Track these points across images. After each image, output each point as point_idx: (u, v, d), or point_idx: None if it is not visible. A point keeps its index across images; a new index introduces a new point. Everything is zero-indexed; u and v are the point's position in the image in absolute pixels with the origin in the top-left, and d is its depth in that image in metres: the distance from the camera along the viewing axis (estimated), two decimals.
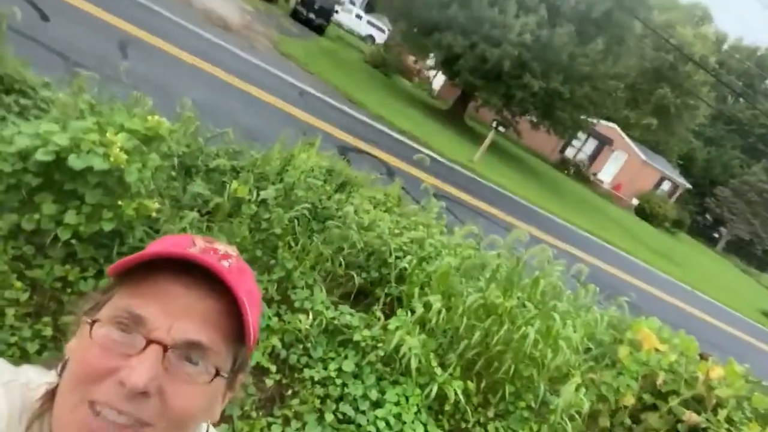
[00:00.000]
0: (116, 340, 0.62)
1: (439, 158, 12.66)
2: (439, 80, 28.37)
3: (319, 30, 25.19)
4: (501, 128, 15.88)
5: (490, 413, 3.50)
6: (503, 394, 3.48)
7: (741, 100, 47.28)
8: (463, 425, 3.42)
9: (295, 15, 25.21)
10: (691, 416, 4.33)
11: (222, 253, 0.68)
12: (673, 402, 4.38)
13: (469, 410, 3.36)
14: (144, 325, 0.62)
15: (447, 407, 3.29)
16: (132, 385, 0.58)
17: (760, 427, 4.43)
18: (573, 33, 18.88)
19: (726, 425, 4.28)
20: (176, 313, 0.63)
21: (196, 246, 0.67)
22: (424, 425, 3.11)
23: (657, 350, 4.75)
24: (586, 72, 18.98)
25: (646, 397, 4.46)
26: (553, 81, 18.69)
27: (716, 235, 42.35)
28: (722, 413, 4.38)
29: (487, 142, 15.21)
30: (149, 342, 0.61)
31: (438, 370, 3.27)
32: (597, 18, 19.38)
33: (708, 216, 42.69)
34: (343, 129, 9.91)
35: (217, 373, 0.65)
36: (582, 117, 21.74)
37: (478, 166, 14.13)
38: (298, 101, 10.42)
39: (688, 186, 35.42)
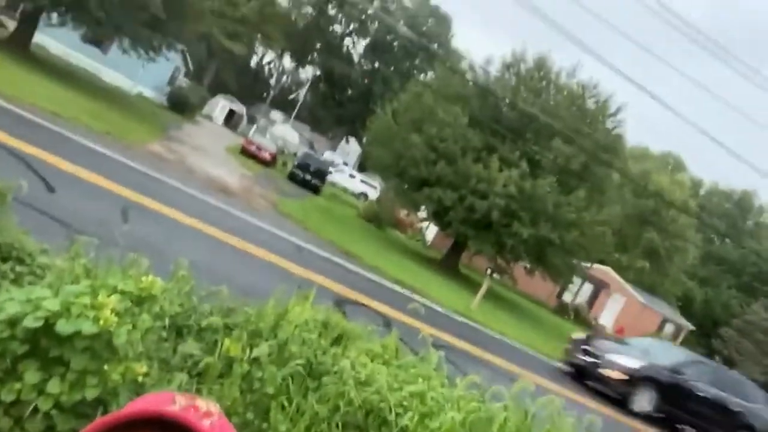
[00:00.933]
0: None
1: (436, 307, 12.56)
2: (431, 231, 29.23)
3: (316, 190, 26.52)
4: (496, 275, 16.05)
5: None
6: None
7: (727, 240, 48.53)
8: None
9: (292, 177, 26.73)
10: None
11: (203, 411, 0.66)
12: None
13: None
14: None
15: None
16: None
17: None
18: (555, 183, 19.93)
19: None
20: None
21: (176, 403, 0.65)
22: None
23: None
24: (573, 219, 19.68)
25: None
26: (542, 228, 19.29)
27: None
28: None
29: (483, 289, 15.23)
30: None
31: None
32: (576, 170, 20.60)
33: (717, 357, 41.43)
34: (339, 281, 9.95)
35: None
36: (574, 261, 22.08)
37: (476, 314, 13.98)
38: (295, 257, 10.60)
39: (692, 327, 34.86)
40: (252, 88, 57.84)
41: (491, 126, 21.09)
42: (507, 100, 22.24)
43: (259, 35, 49.54)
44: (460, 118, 20.59)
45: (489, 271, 16.37)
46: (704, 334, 39.53)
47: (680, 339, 33.45)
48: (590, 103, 22.51)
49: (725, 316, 41.83)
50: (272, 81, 64.40)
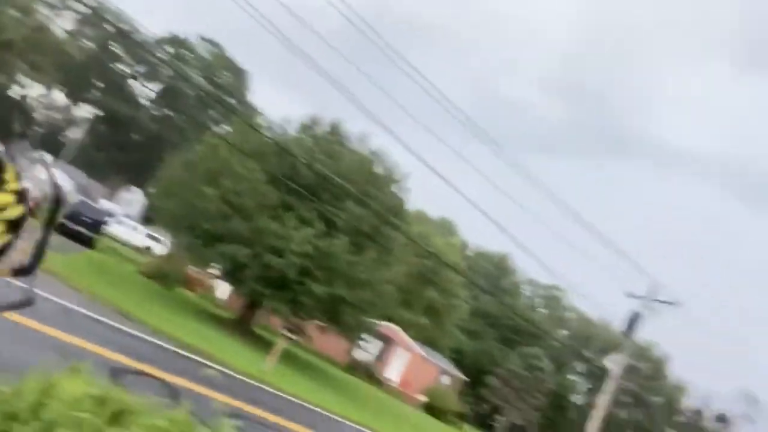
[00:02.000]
0: None
1: (230, 372, 11.74)
2: (224, 289, 27.81)
3: (89, 243, 23.50)
4: (291, 335, 15.78)
5: None
6: None
7: (490, 297, 55.30)
8: None
9: (61, 228, 23.31)
10: None
11: None
12: None
13: None
14: None
15: None
16: None
17: None
18: (347, 243, 20.69)
19: None
20: None
21: None
22: None
23: None
24: (365, 278, 20.49)
25: None
26: (337, 286, 19.67)
27: (495, 424, 45.34)
28: None
29: (277, 350, 14.78)
30: None
31: None
32: (366, 231, 21.69)
33: (485, 405, 46.00)
34: (117, 349, 8.71)
35: None
36: (365, 319, 22.85)
37: (271, 377, 13.43)
38: (63, 322, 9.03)
39: (465, 378, 38.31)
40: (9, 123, 50.03)
41: (288, 184, 21.25)
42: (303, 160, 22.76)
43: (25, 65, 43.62)
44: (256, 173, 20.36)
45: (285, 331, 16.01)
46: (474, 384, 43.71)
47: (455, 389, 36.43)
48: (379, 169, 24.17)
49: (491, 366, 46.99)
50: (37, 116, 56.65)
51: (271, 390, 12.47)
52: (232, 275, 20.65)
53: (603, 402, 25.65)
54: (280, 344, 15.21)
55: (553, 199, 20.33)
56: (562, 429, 48.60)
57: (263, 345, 19.28)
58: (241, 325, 21.54)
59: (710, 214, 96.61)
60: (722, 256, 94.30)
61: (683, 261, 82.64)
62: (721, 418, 59.85)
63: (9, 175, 0.84)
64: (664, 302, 26.59)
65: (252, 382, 12.26)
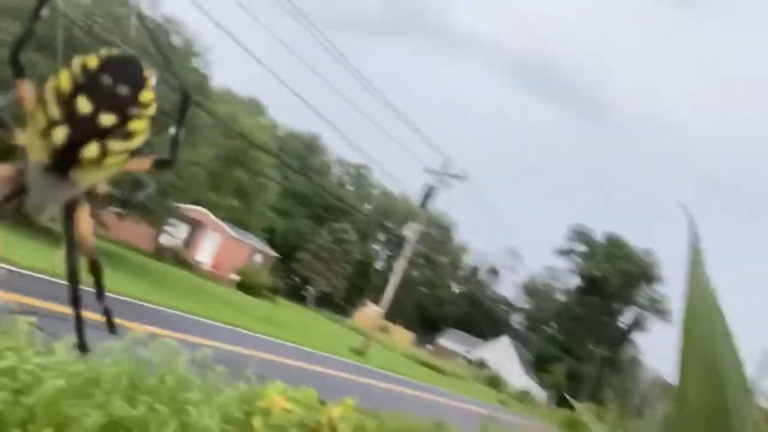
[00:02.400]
0: None
1: (15, 269, 10.63)
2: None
3: None
4: None
5: None
6: None
7: (300, 177, 56.34)
8: None
9: None
10: None
11: None
12: None
13: None
14: None
15: None
16: None
17: None
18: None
19: None
20: None
21: None
22: None
23: (286, 410, 5.10)
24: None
25: None
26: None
27: (306, 294, 48.43)
28: None
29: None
30: None
31: None
32: (167, 110, 20.12)
33: (296, 278, 48.59)
34: None
35: None
36: (169, 203, 21.91)
37: (63, 270, 12.48)
38: None
39: (277, 255, 39.63)
40: None
41: (65, 51, 18.37)
42: (81, 23, 19.65)
43: None
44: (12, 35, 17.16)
45: None
46: (287, 260, 45.53)
47: (268, 265, 37.67)
48: (177, 40, 22.02)
49: (301, 242, 49.12)
50: None
51: (65, 283, 11.67)
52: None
53: (400, 265, 28.90)
54: None
55: (362, 80, 20.79)
56: (366, 292, 53.86)
57: (51, 237, 17.55)
58: (20, 215, 19.17)
59: (501, 99, 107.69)
60: (509, 137, 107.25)
61: (474, 140, 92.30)
62: (492, 271, 71.87)
63: (148, 72, 0.78)
64: (454, 176, 29.92)
65: (43, 276, 11.32)
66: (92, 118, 0.81)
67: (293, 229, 52.17)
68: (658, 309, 64.71)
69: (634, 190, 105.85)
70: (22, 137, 0.85)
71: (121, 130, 0.83)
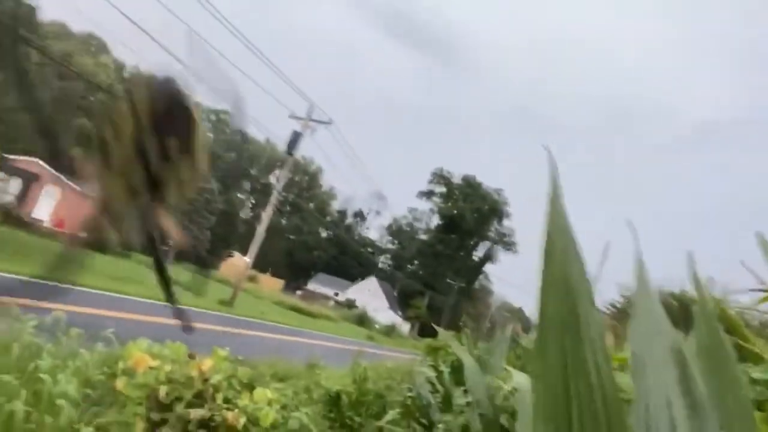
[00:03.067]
0: None
1: None
2: None
3: None
4: None
5: None
6: None
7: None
8: None
9: None
10: (195, 413, 4.72)
11: None
12: (180, 407, 4.65)
13: None
14: None
15: None
16: None
17: (249, 391, 5.26)
18: None
19: (224, 405, 4.88)
20: None
21: None
22: None
23: (152, 368, 4.90)
24: None
25: (154, 416, 4.57)
26: None
27: (164, 247, 46.00)
28: (219, 396, 4.96)
29: None
30: None
31: None
32: None
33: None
34: None
35: None
36: None
37: None
38: None
39: None
40: None
41: None
42: None
43: None
44: None
45: None
46: None
47: None
48: None
49: None
50: None
51: None
52: None
53: (267, 214, 28.42)
54: None
55: (220, 18, 19.36)
56: (231, 241, 52.43)
57: None
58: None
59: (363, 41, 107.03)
60: (366, 81, 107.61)
61: (336, 86, 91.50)
62: (359, 214, 73.55)
63: None
64: (320, 121, 29.62)
65: None
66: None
67: None
68: (506, 242, 71.27)
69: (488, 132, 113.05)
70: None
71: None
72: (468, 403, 3.47)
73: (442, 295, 60.10)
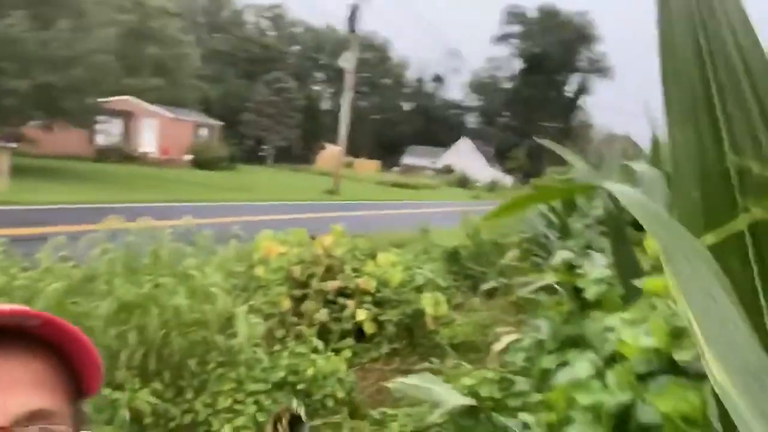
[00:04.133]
0: None
1: None
2: None
3: None
4: (12, 145, 13.55)
5: (190, 394, 3.40)
6: (190, 370, 3.41)
7: (216, 35, 52.20)
8: (173, 425, 3.24)
9: None
10: (331, 284, 5.14)
11: (22, 310, 0.55)
12: (315, 282, 5.08)
13: (172, 409, 3.20)
14: None
15: (149, 419, 3.04)
16: None
17: (371, 259, 5.60)
18: (27, 19, 16.93)
19: (353, 274, 5.25)
20: (8, 385, 0.53)
21: None
22: None
23: (282, 254, 5.33)
24: (67, 54, 17.59)
25: (295, 293, 5.04)
26: (38, 75, 16.73)
27: (264, 154, 47.93)
28: (347, 267, 5.33)
29: (4, 165, 12.93)
30: None
31: (117, 394, 2.95)
32: None
33: (249, 141, 47.64)
34: None
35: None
36: (89, 100, 20.43)
37: (9, 195, 12.02)
38: None
39: (220, 123, 38.33)
40: None
41: None
42: None
43: None
44: None
45: (1, 143, 13.64)
46: (231, 126, 44.22)
47: (216, 136, 36.63)
48: None
49: (241, 104, 47.21)
50: None
51: (19, 207, 11.30)
52: None
53: (346, 98, 28.34)
54: (5, 159, 13.23)
55: None
56: (321, 134, 53.48)
57: None
58: None
59: None
60: None
61: None
62: (437, 78, 71.07)
63: None
64: None
65: None
66: None
67: (229, 92, 49.75)
68: (598, 68, 66.04)
69: None
70: None
71: None
72: (587, 225, 3.44)
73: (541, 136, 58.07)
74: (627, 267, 1.36)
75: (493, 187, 44.77)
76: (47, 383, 0.56)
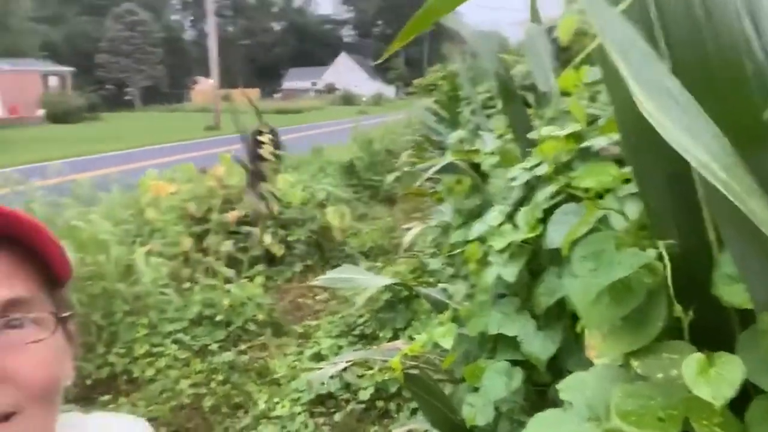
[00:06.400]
0: None
1: None
2: None
3: None
4: None
5: (101, 349, 3.25)
6: (96, 324, 3.23)
7: None
8: (89, 382, 3.10)
9: None
10: (232, 215, 4.98)
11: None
12: (215, 215, 4.89)
13: (84, 366, 3.04)
14: None
15: None
16: None
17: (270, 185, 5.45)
18: None
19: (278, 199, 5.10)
20: None
21: None
22: None
23: (172, 193, 5.04)
24: None
25: (195, 229, 4.85)
26: None
27: (129, 97, 44.04)
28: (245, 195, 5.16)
29: None
30: None
31: None
32: None
33: (109, 86, 43.39)
34: None
35: (57, 319, 0.54)
36: None
37: None
38: None
39: (72, 69, 34.44)
40: None
41: None
42: None
43: None
44: None
45: None
46: (85, 72, 39.89)
47: (68, 85, 33.00)
48: None
49: (91, 45, 42.44)
50: None
51: None
52: None
53: (211, 26, 26.37)
54: None
55: None
56: (188, 68, 49.91)
57: None
58: None
59: None
60: None
61: None
62: None
63: None
64: None
65: None
66: None
67: (73, 33, 44.35)
68: None
69: None
70: None
71: None
72: (473, 112, 3.55)
73: (417, 46, 58.20)
74: (521, 124, 1.42)
75: (378, 100, 44.76)
76: (16, 274, 0.53)
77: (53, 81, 32.32)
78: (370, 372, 2.94)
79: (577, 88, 1.03)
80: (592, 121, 1.02)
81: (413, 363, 1.27)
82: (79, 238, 3.29)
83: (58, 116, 27.80)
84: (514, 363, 0.97)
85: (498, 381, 0.95)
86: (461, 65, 3.80)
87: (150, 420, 2.86)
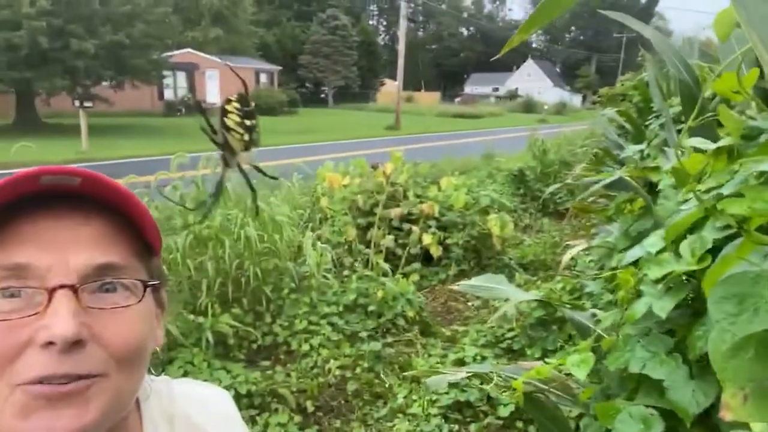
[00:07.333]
0: (10, 310, 0.48)
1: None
2: None
3: None
4: (88, 105, 14.23)
5: (268, 318, 3.57)
6: (266, 296, 3.56)
7: None
8: (255, 347, 3.43)
9: None
10: (394, 212, 5.15)
11: (70, 168, 0.52)
12: (379, 210, 5.10)
13: (253, 332, 3.37)
14: (34, 275, 0.49)
15: (232, 341, 3.23)
16: (61, 337, 0.47)
17: (435, 186, 5.53)
18: None
19: (417, 200, 5.22)
20: (67, 245, 0.51)
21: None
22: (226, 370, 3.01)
23: (344, 185, 5.36)
24: (130, 11, 17.98)
25: (361, 221, 5.10)
26: (105, 34, 17.26)
27: (323, 96, 47.90)
28: (410, 194, 5.31)
29: (83, 126, 13.64)
30: (52, 290, 0.49)
31: (200, 319, 3.14)
32: None
33: (308, 84, 47.65)
34: None
35: (145, 286, 0.55)
36: (155, 56, 20.97)
37: (89, 153, 12.75)
38: None
39: (279, 68, 38.44)
40: None
41: None
42: None
43: None
44: None
45: (78, 104, 14.33)
46: (290, 70, 44.25)
47: (276, 83, 36.87)
48: None
49: (298, 46, 46.95)
50: None
51: (96, 163, 11.98)
52: None
53: (402, 30, 27.49)
54: (84, 120, 13.94)
55: None
56: (378, 70, 52.55)
57: (64, 132, 17.58)
58: (26, 123, 19.04)
59: None
60: None
61: None
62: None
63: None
64: None
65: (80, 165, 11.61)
66: None
67: (284, 35, 49.52)
68: None
69: None
70: None
71: None
72: (661, 126, 3.21)
73: (610, 53, 54.49)
74: (703, 135, 1.24)
75: (561, 109, 42.83)
76: (111, 240, 0.53)
77: (264, 78, 36.43)
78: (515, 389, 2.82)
79: (737, 93, 0.87)
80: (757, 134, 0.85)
81: (544, 386, 1.18)
82: (261, 218, 3.66)
83: (264, 109, 31.34)
84: (656, 410, 0.85)
85: (632, 427, 0.84)
86: (651, 74, 3.46)
87: (299, 392, 3.09)
